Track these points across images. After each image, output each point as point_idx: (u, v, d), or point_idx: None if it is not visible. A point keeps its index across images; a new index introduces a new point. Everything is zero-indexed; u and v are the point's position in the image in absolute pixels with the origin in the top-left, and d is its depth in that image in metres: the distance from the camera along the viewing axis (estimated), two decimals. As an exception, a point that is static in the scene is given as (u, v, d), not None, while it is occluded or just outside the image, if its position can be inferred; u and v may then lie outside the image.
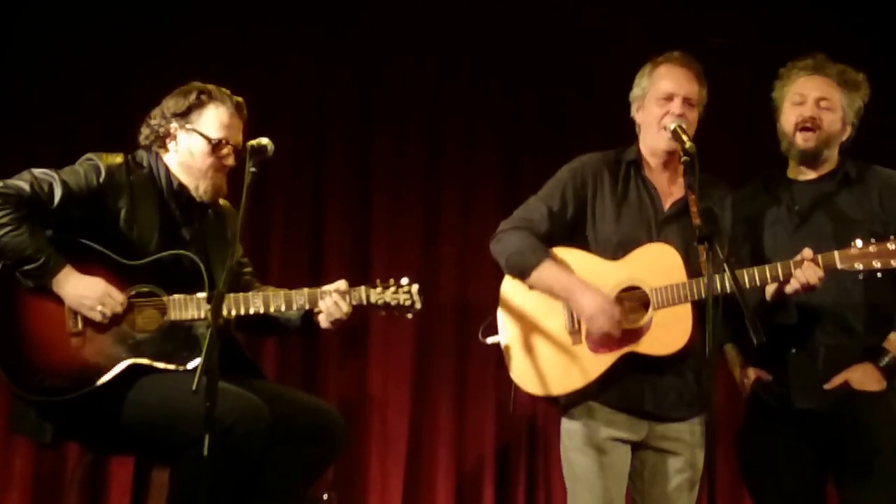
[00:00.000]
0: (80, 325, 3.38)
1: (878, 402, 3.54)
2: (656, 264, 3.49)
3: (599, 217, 3.59)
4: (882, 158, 3.90)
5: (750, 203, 3.73)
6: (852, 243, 3.38)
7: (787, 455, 3.61)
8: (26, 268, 3.32)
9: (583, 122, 5.59)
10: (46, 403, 3.35)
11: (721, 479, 3.05)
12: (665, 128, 3.50)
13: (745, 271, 3.39)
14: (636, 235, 3.54)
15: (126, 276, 3.42)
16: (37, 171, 3.42)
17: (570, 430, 3.54)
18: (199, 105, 3.55)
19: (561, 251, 3.56)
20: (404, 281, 3.57)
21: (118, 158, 3.53)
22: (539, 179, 3.75)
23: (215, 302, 3.02)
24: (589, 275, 3.51)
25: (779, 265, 3.39)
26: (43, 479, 4.96)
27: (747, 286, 3.37)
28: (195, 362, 3.26)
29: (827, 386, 3.55)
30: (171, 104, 3.57)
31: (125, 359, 3.36)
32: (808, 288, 3.36)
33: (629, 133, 3.72)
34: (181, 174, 3.57)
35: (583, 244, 3.59)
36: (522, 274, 3.54)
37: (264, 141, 3.28)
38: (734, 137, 5.42)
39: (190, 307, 3.41)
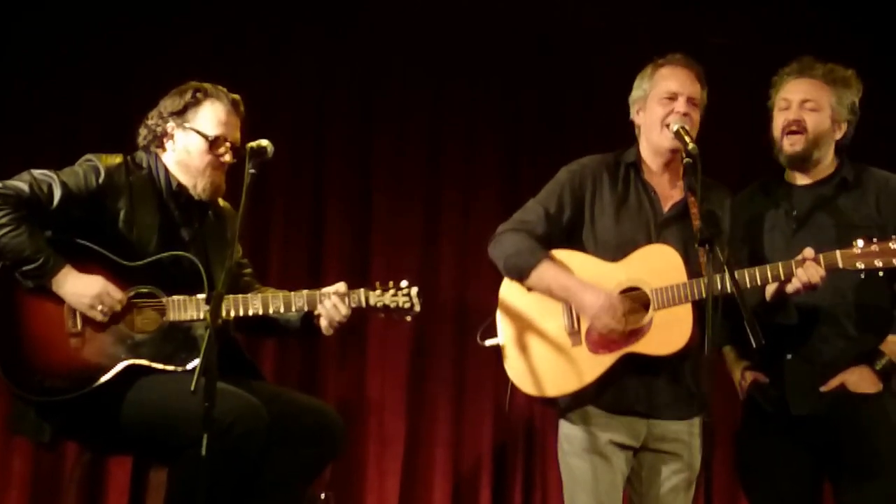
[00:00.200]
0: (79, 325, 3.38)
1: (874, 404, 3.54)
2: (656, 265, 3.48)
3: (598, 219, 3.58)
4: (881, 158, 3.90)
5: (748, 207, 3.73)
6: (854, 243, 3.37)
7: (783, 458, 3.61)
8: (25, 268, 3.33)
9: (583, 122, 5.60)
10: (45, 403, 3.36)
11: (718, 479, 3.07)
12: (668, 126, 3.49)
13: (745, 271, 3.39)
14: (635, 237, 3.54)
15: (125, 276, 3.42)
16: (36, 172, 3.42)
17: (569, 434, 3.54)
18: (195, 103, 3.55)
19: (559, 253, 3.55)
20: (404, 283, 3.56)
21: (117, 159, 3.53)
22: (539, 180, 3.74)
23: (214, 303, 3.02)
24: (589, 276, 3.50)
25: (780, 265, 3.39)
26: (42, 479, 4.98)
27: (748, 285, 3.37)
28: (194, 363, 3.26)
29: (823, 388, 3.56)
30: (167, 104, 3.58)
31: (124, 359, 3.36)
32: (809, 287, 3.36)
33: (629, 134, 3.71)
34: (179, 173, 3.57)
35: (581, 246, 3.58)
36: (521, 275, 3.54)
37: (264, 142, 3.28)
38: (734, 138, 5.42)
39: (189, 308, 3.42)
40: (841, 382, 3.55)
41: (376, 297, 3.54)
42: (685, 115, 3.50)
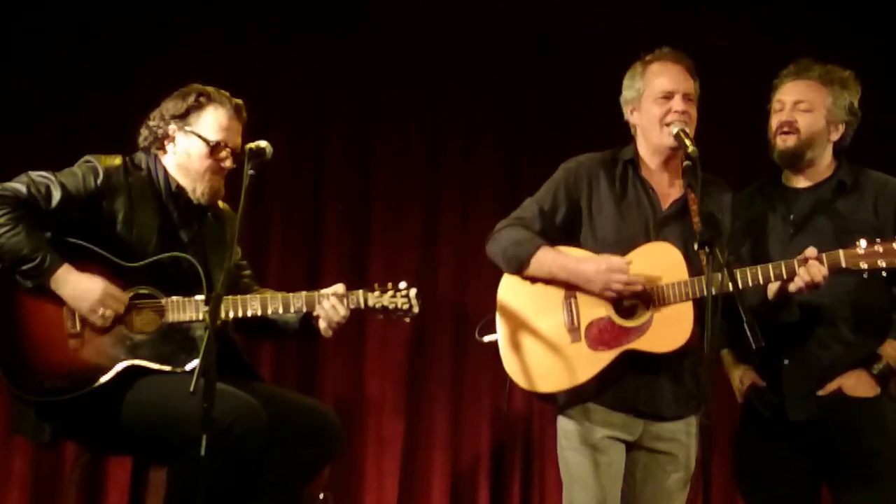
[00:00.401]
0: (78, 326, 3.39)
1: (872, 407, 3.54)
2: (658, 262, 3.47)
3: (596, 217, 3.57)
4: (881, 158, 3.90)
5: (746, 209, 3.72)
6: (857, 242, 3.35)
7: (780, 462, 3.61)
8: (24, 267, 3.33)
9: (583, 122, 5.59)
10: (45, 404, 3.36)
11: (717, 481, 3.07)
12: (668, 125, 3.48)
13: (747, 269, 3.37)
14: (634, 235, 3.53)
15: (124, 277, 3.42)
16: (34, 174, 3.43)
17: (567, 429, 3.53)
18: (197, 107, 3.55)
19: (560, 248, 3.54)
20: (402, 285, 3.56)
21: (116, 160, 3.54)
22: (539, 180, 3.73)
23: (213, 304, 3.02)
24: None
25: (782, 263, 3.37)
26: (42, 479, 4.99)
27: (749, 284, 3.35)
28: (193, 364, 3.26)
29: (821, 392, 3.55)
30: (169, 106, 3.58)
31: (123, 360, 3.37)
32: (811, 286, 3.34)
33: (629, 134, 3.70)
34: (179, 176, 3.57)
35: (579, 246, 3.56)
36: (521, 265, 3.53)
37: (263, 144, 3.28)
38: (735, 138, 5.42)
39: (188, 309, 3.42)
40: (838, 386, 3.55)
41: (375, 299, 3.54)
42: (683, 112, 3.49)
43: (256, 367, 3.80)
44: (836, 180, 3.68)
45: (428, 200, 5.51)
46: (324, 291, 3.52)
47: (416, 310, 3.56)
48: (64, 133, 5.18)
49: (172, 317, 3.42)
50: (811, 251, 3.35)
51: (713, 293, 3.11)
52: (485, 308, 3.70)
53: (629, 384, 3.47)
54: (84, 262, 3.40)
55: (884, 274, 3.38)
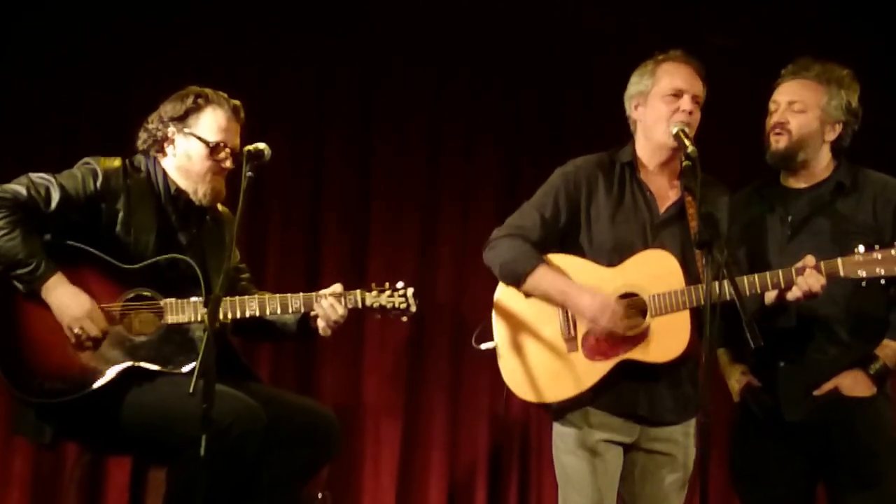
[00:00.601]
0: None
1: (868, 407, 3.54)
2: (654, 270, 3.46)
3: (594, 221, 3.55)
4: (882, 158, 3.89)
5: (745, 209, 3.71)
6: (855, 250, 3.34)
7: (777, 462, 3.61)
8: (17, 272, 3.34)
9: (583, 122, 5.59)
10: (46, 405, 3.37)
11: (714, 481, 3.07)
12: (673, 124, 3.46)
13: (745, 278, 3.36)
14: (631, 239, 3.52)
15: (123, 279, 3.44)
16: (34, 176, 3.44)
17: (563, 433, 3.53)
18: (196, 109, 3.56)
19: (556, 258, 3.54)
20: (400, 284, 3.59)
21: (116, 162, 3.55)
22: (539, 182, 3.72)
23: (212, 305, 3.04)
24: (585, 281, 3.48)
25: (780, 272, 3.36)
26: (42, 479, 4.98)
27: (747, 293, 3.34)
28: (192, 365, 3.26)
29: (817, 392, 3.55)
30: (168, 108, 3.58)
31: (123, 362, 3.38)
32: (809, 295, 3.34)
33: (629, 134, 3.69)
34: (179, 178, 3.58)
35: (576, 250, 3.56)
36: (517, 281, 3.52)
37: (261, 146, 3.29)
38: (735, 138, 5.41)
39: (187, 310, 3.43)
40: (835, 386, 3.55)
41: (372, 298, 3.56)
42: (690, 112, 3.48)
43: (255, 368, 3.81)
44: (835, 181, 3.66)
45: (427, 201, 5.51)
46: (322, 292, 3.53)
47: (413, 309, 3.58)
48: (64, 133, 5.17)
49: (171, 318, 3.43)
50: (810, 259, 3.34)
51: (712, 297, 3.10)
52: (484, 309, 3.69)
53: (628, 390, 3.47)
54: (82, 265, 3.42)
55: (882, 282, 3.36)
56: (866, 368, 3.55)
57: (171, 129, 3.56)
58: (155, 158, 3.60)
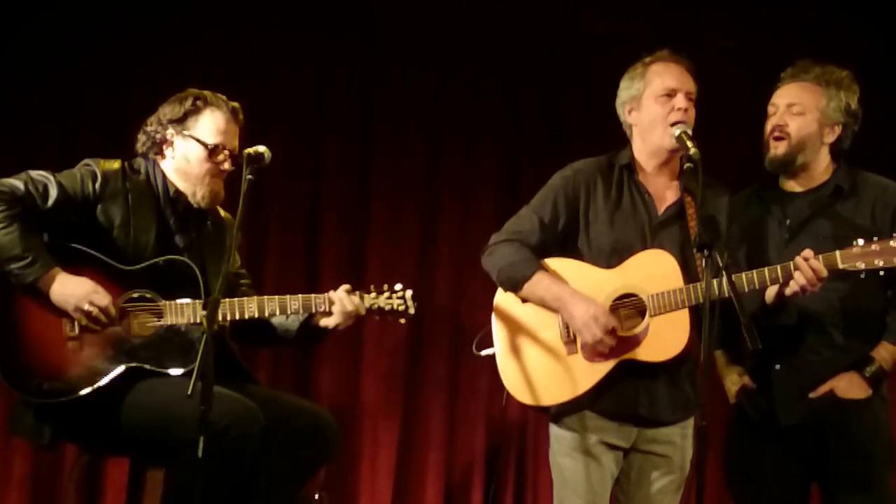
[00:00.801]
0: (76, 329, 3.39)
1: (863, 409, 3.54)
2: (652, 270, 3.46)
3: (593, 225, 3.55)
4: (882, 158, 3.89)
5: (743, 212, 3.70)
6: (854, 242, 3.33)
7: (772, 463, 3.61)
8: (13, 266, 3.33)
9: (583, 123, 5.58)
10: (44, 406, 3.37)
11: (711, 483, 3.06)
12: (672, 125, 3.45)
13: (743, 274, 3.36)
14: (630, 241, 3.51)
15: (122, 280, 3.44)
16: (34, 173, 3.45)
17: (559, 435, 3.54)
18: (195, 111, 3.56)
19: (554, 262, 3.54)
20: (398, 286, 3.60)
21: (115, 164, 3.55)
22: (539, 181, 3.72)
23: (211, 307, 3.05)
24: (584, 284, 3.48)
25: (778, 267, 3.35)
26: (41, 480, 5.00)
27: (745, 289, 3.34)
28: (190, 367, 3.26)
29: (812, 395, 3.55)
30: (167, 111, 3.59)
31: (121, 363, 3.38)
32: (807, 289, 3.33)
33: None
34: (178, 180, 3.58)
35: (576, 253, 3.56)
36: (515, 287, 3.52)
37: (261, 149, 3.30)
38: (736, 139, 5.41)
39: (186, 312, 3.43)
40: (830, 388, 3.55)
41: (371, 300, 3.57)
42: (685, 111, 3.47)
43: (253, 370, 3.81)
44: (833, 185, 3.65)
45: (427, 201, 5.51)
46: (330, 293, 3.54)
47: (412, 311, 3.59)
48: (64, 133, 5.18)
49: (170, 320, 3.43)
50: (808, 252, 3.33)
51: (711, 298, 3.10)
52: (483, 311, 3.70)
53: (627, 391, 3.47)
54: (82, 266, 3.42)
55: (881, 274, 3.34)
56: (862, 371, 3.54)
57: (170, 132, 3.57)
58: (154, 161, 3.60)
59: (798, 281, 3.32)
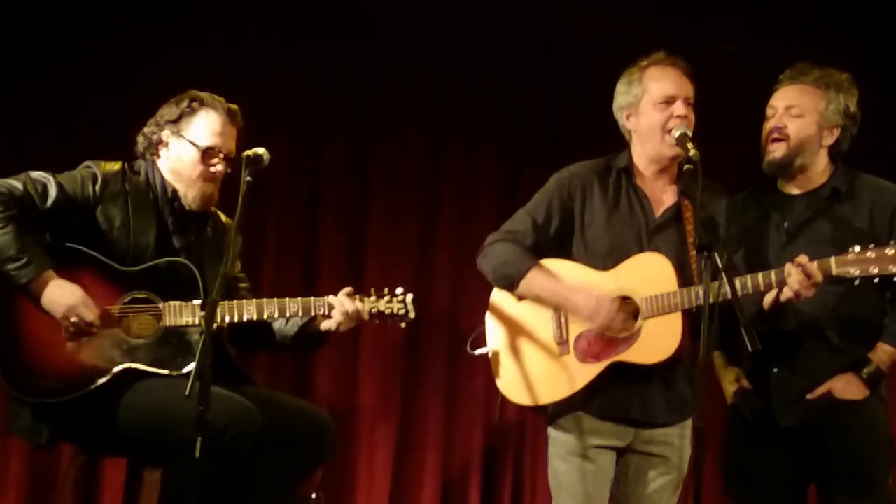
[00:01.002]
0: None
1: (861, 409, 3.54)
2: (647, 274, 3.46)
3: (588, 227, 3.55)
4: (882, 159, 3.88)
5: (741, 215, 3.70)
6: (850, 248, 3.32)
7: (768, 466, 3.62)
8: (8, 267, 3.34)
9: (583, 123, 5.57)
10: (42, 405, 3.38)
11: (708, 484, 3.07)
12: (670, 132, 3.44)
13: (737, 279, 3.35)
14: (626, 244, 3.51)
15: (122, 282, 3.45)
16: (34, 173, 3.46)
17: (555, 438, 3.54)
18: (190, 112, 3.57)
19: (550, 262, 3.54)
20: (399, 290, 3.60)
21: (116, 166, 3.57)
22: (539, 182, 3.72)
23: (209, 309, 3.05)
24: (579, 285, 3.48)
25: (773, 272, 3.35)
26: (37, 480, 5.00)
27: (739, 293, 3.32)
28: (189, 367, 3.27)
29: (809, 396, 3.55)
30: (164, 112, 3.61)
31: (120, 363, 3.39)
32: (801, 294, 3.32)
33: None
34: (173, 181, 3.59)
35: (570, 256, 3.56)
36: (510, 285, 3.53)
37: (260, 151, 3.30)
38: (735, 139, 5.39)
39: (185, 313, 3.44)
40: (827, 390, 3.55)
41: (371, 304, 3.57)
42: (685, 117, 3.46)
43: (251, 371, 3.81)
44: (830, 187, 3.65)
45: (427, 201, 5.51)
46: (330, 297, 3.54)
47: (412, 315, 3.60)
48: (64, 133, 5.17)
49: (169, 321, 3.44)
50: (803, 258, 3.32)
51: (709, 299, 3.09)
52: (480, 312, 3.70)
53: (620, 393, 3.47)
54: (81, 267, 3.43)
55: (875, 281, 3.32)
56: (859, 372, 3.55)
57: (166, 132, 3.58)
58: (153, 161, 3.62)
59: (791, 286, 3.31)
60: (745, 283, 3.36)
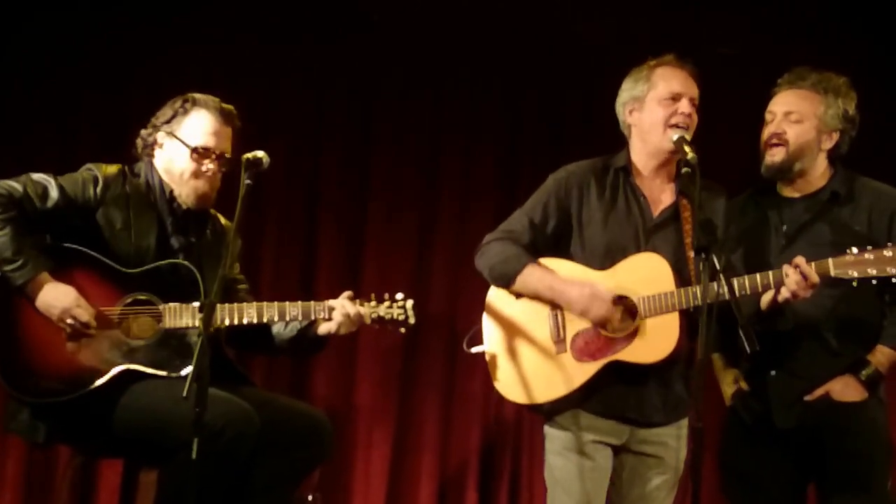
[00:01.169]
0: None
1: (859, 411, 3.55)
2: (644, 273, 3.46)
3: (586, 227, 3.56)
4: (882, 160, 3.88)
5: (740, 217, 3.71)
6: (848, 250, 3.33)
7: (766, 467, 3.63)
8: (5, 269, 3.36)
9: (583, 124, 5.56)
10: (41, 405, 3.39)
11: (706, 484, 3.07)
12: (672, 127, 3.46)
13: (735, 280, 3.35)
14: (623, 243, 3.52)
15: (123, 283, 3.47)
16: (35, 175, 3.48)
17: (552, 434, 3.55)
18: (182, 112, 3.60)
19: (548, 262, 3.55)
20: (399, 296, 3.61)
21: (116, 169, 3.59)
22: (539, 182, 3.72)
23: (207, 311, 3.05)
24: None
25: (770, 273, 3.36)
26: (34, 481, 4.98)
27: (737, 294, 3.33)
28: (188, 369, 3.27)
29: (808, 398, 3.56)
30: (160, 113, 3.64)
31: (119, 364, 3.40)
32: (798, 295, 3.33)
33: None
34: (168, 181, 3.62)
35: (568, 256, 3.57)
36: (507, 281, 3.54)
37: (260, 154, 3.31)
38: (735, 141, 5.38)
39: (185, 315, 3.45)
40: (826, 391, 3.56)
41: (371, 309, 3.58)
42: (688, 115, 3.48)
43: (249, 373, 3.82)
44: (829, 190, 3.66)
45: (426, 201, 5.50)
46: (331, 301, 3.55)
47: (412, 321, 3.61)
48: (64, 133, 5.17)
49: (169, 323, 3.46)
50: (800, 259, 3.33)
51: (706, 299, 3.10)
52: (479, 313, 3.70)
53: (617, 392, 3.47)
54: (83, 268, 3.45)
55: (873, 283, 3.33)
56: (857, 374, 3.55)
57: (161, 133, 3.61)
58: (151, 162, 3.63)
59: (789, 287, 3.32)
60: (743, 283, 3.37)
